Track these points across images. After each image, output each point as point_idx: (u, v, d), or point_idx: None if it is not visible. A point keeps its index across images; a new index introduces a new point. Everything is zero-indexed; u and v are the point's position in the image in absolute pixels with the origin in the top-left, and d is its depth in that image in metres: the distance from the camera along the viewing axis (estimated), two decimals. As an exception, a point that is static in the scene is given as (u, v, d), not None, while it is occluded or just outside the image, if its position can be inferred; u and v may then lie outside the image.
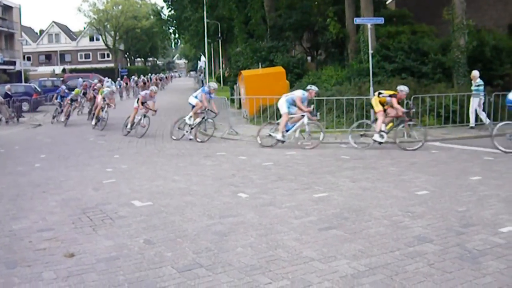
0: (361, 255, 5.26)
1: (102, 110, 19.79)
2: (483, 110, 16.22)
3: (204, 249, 5.56)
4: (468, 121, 16.33)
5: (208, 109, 15.84)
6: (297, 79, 23.19)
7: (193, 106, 16.04)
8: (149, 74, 61.68)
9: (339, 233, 6.01)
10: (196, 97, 16.10)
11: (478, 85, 16.12)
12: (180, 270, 4.99)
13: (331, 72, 22.21)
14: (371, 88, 16.50)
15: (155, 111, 17.38)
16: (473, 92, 16.18)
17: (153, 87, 18.49)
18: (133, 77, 51.14)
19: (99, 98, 20.67)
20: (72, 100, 22.73)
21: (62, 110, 22.98)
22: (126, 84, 45.41)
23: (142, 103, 17.08)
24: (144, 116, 17.07)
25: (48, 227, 6.60)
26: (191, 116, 16.10)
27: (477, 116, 16.26)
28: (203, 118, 15.95)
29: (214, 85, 16.72)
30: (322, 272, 4.84)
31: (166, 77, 76.07)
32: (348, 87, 18.56)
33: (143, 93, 17.85)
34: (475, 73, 16.40)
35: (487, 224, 6.24)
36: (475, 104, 16.09)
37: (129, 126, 17.44)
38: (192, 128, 16.01)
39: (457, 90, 17.11)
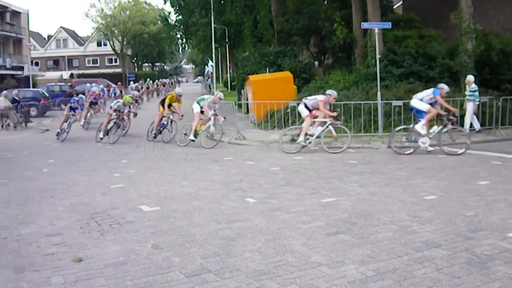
0: (369, 260, 5.25)
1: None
2: (476, 115, 16.12)
3: (212, 254, 5.56)
4: (471, 125, 16.20)
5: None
6: (304, 83, 23.21)
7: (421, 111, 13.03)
8: (148, 80, 50.87)
9: (347, 238, 6.00)
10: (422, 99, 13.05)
11: (473, 91, 16.02)
12: (188, 275, 4.99)
13: (339, 76, 22.19)
14: (379, 93, 16.49)
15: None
16: (467, 98, 16.11)
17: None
18: (130, 83, 46.73)
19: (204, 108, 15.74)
20: (118, 111, 18.00)
21: (70, 125, 18.55)
22: (121, 92, 38.35)
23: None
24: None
25: (56, 232, 6.62)
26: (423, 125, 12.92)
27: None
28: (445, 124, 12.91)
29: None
30: (330, 277, 4.83)
31: (171, 82, 70.08)
32: (355, 92, 18.54)
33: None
34: (470, 78, 16.35)
35: (496, 229, 6.21)
36: (471, 109, 15.98)
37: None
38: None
39: (465, 95, 17.06)
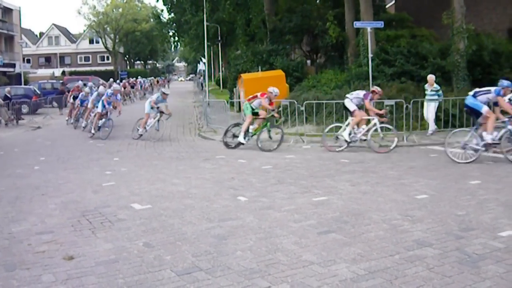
0: (361, 259, 5.25)
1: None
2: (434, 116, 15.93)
3: (204, 253, 5.55)
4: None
5: None
6: (296, 82, 23.24)
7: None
8: (110, 80, 37.70)
9: (338, 237, 6.00)
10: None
11: (437, 90, 15.90)
12: (180, 273, 4.98)
13: (331, 75, 22.23)
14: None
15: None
16: (429, 97, 15.88)
17: None
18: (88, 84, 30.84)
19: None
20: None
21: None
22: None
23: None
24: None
25: (48, 229, 6.59)
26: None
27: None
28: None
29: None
30: (321, 276, 4.83)
31: (156, 81, 62.79)
32: (347, 91, 18.52)
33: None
34: (432, 77, 16.02)
35: (487, 228, 6.23)
36: (433, 109, 15.80)
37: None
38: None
39: (457, 94, 17.06)
